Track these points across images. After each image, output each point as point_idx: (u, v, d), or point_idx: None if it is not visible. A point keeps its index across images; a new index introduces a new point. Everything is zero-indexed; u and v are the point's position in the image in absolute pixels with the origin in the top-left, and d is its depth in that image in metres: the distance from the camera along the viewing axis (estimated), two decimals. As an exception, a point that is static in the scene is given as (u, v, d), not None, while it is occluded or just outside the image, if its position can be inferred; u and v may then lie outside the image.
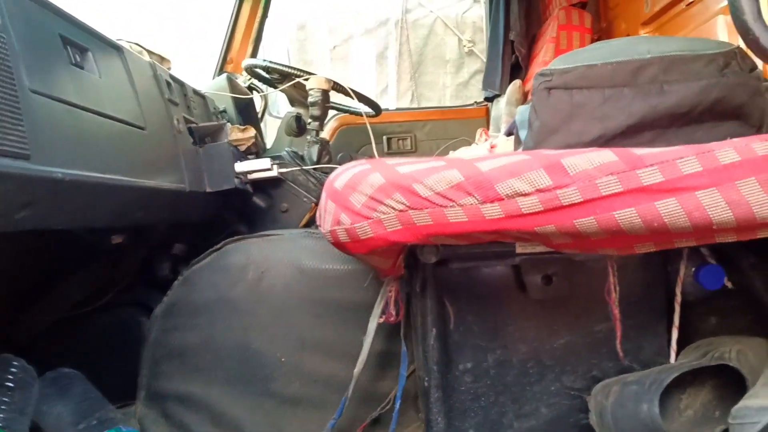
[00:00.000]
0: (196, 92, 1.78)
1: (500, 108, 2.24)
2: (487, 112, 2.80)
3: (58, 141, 0.98)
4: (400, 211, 0.94)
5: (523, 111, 1.46)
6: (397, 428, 1.30)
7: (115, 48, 1.31)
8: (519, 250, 1.02)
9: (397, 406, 1.28)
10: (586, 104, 1.25)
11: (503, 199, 0.88)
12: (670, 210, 0.83)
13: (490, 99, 2.57)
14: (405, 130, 2.84)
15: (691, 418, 1.04)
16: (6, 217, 0.90)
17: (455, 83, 3.98)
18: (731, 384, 1.03)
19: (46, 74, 0.99)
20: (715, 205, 0.82)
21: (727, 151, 0.84)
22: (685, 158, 0.84)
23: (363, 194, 0.97)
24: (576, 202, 0.85)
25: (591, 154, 0.86)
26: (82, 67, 1.13)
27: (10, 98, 0.88)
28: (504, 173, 0.88)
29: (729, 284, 1.09)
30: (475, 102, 3.01)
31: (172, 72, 1.62)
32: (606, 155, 0.86)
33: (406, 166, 0.96)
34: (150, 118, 1.34)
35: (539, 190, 0.86)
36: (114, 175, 1.12)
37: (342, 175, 1.02)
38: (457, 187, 0.90)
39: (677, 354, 1.12)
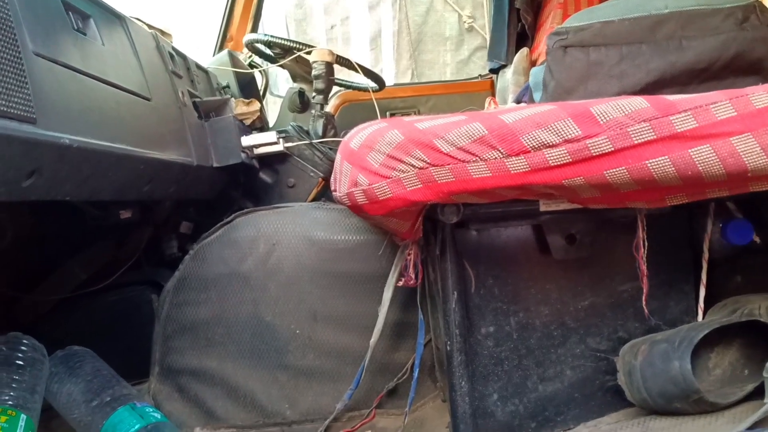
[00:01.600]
0: (199, 67, 1.75)
1: (506, 79, 2.20)
2: (492, 85, 2.76)
3: (63, 106, 0.95)
4: (421, 168, 0.91)
5: (537, 72, 1.43)
6: (414, 398, 1.29)
7: (117, 16, 1.27)
8: (543, 208, 0.99)
9: (416, 375, 1.26)
10: (602, 62, 1.22)
11: (529, 152, 0.85)
12: (704, 157, 0.80)
13: (495, 71, 2.52)
14: (408, 106, 2.80)
15: (719, 377, 1.02)
16: (13, 185, 0.87)
17: (456, 60, 3.93)
18: (760, 343, 1.01)
19: (49, 38, 0.96)
20: (750, 152, 0.79)
21: (762, 95, 0.81)
22: (719, 103, 0.81)
23: (381, 153, 0.94)
24: (607, 151, 0.82)
25: (621, 101, 0.83)
26: (84, 34, 1.09)
27: (14, 60, 0.84)
28: (530, 124, 0.85)
29: (757, 239, 1.06)
30: (480, 75, 2.97)
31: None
32: (637, 102, 0.83)
33: (425, 122, 0.93)
34: (155, 89, 1.30)
35: (567, 141, 0.83)
36: (122, 145, 1.09)
37: (358, 135, 0.99)
38: (480, 140, 0.87)
39: (704, 312, 1.09)
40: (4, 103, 0.78)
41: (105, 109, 1.08)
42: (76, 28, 1.07)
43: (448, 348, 1.02)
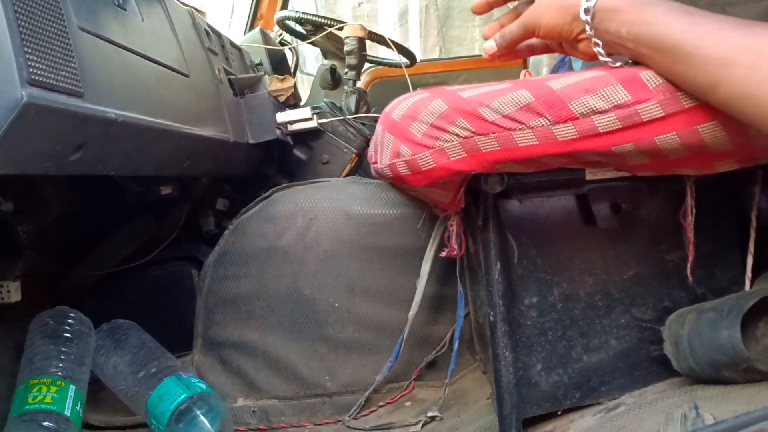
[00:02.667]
0: (233, 44, 1.75)
1: (540, 52, 2.17)
2: (525, 59, 2.73)
3: (108, 81, 0.96)
4: (465, 138, 0.90)
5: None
6: (454, 370, 1.29)
7: (153, -9, 1.28)
8: (589, 176, 0.98)
9: (455, 347, 1.27)
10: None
11: (578, 119, 0.83)
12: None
13: (527, 44, 2.48)
14: (439, 81, 2.77)
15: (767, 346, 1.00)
16: (61, 159, 0.89)
17: (484, 36, 3.88)
18: (809, 311, 0.99)
19: (92, 13, 0.97)
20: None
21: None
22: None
23: (424, 123, 0.94)
24: (657, 117, 0.80)
25: (670, 65, 0.81)
26: (125, 9, 1.10)
27: (61, 34, 0.85)
28: (578, 90, 0.84)
29: (807, 207, 1.04)
30: (511, 48, 2.92)
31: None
32: (687, 66, 0.81)
33: (469, 91, 0.92)
34: (193, 65, 1.31)
35: (617, 107, 0.81)
36: (163, 120, 1.10)
37: (400, 106, 0.99)
38: (526, 108, 0.86)
39: (752, 282, 1.08)
40: (53, 76, 0.79)
41: (146, 85, 1.09)
42: (117, 3, 1.07)
43: (492, 318, 1.02)
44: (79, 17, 0.91)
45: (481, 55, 3.47)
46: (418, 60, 2.40)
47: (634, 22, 0.79)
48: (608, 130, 0.83)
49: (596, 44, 0.85)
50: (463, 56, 3.45)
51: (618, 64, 0.86)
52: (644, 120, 0.81)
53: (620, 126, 0.82)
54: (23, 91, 0.68)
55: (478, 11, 1.07)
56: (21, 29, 0.70)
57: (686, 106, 0.79)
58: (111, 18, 1.04)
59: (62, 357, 1.20)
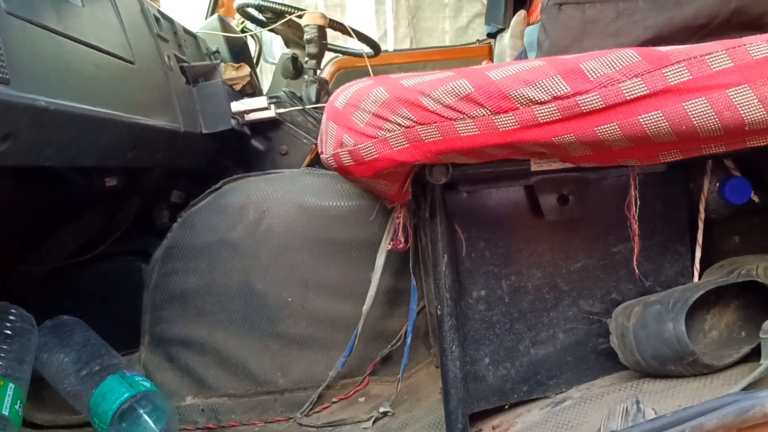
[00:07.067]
0: (186, 31, 1.71)
1: (504, 43, 2.15)
2: (490, 50, 2.71)
3: (39, 68, 0.92)
4: (407, 127, 0.88)
5: (531, 32, 1.39)
6: (408, 364, 1.28)
7: (98, -22, 1.23)
8: (534, 167, 0.96)
9: (408, 341, 1.25)
10: (598, 19, 1.18)
11: (517, 109, 0.81)
12: (699, 111, 0.77)
13: (493, 35, 2.46)
14: (405, 72, 2.75)
15: (716, 339, 1.00)
16: (-15, 150, 0.85)
17: (454, 28, 3.86)
18: (757, 304, 0.98)
19: (22, -2, 0.93)
20: (747, 104, 0.76)
21: (760, 45, 0.77)
22: (714, 53, 0.77)
23: (366, 112, 0.91)
24: (598, 108, 0.79)
25: (612, 55, 0.80)
26: (61, -7, 1.06)
27: (-15, 19, 0.82)
28: (517, 81, 0.82)
29: (756, 198, 1.04)
30: (477, 40, 2.92)
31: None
32: (628, 55, 0.79)
33: (411, 79, 0.89)
34: (139, 52, 1.27)
35: (557, 98, 0.80)
36: (103, 108, 1.06)
37: (343, 94, 0.96)
38: (466, 98, 0.84)
39: (701, 274, 1.07)
40: (-26, 63, 0.75)
41: (84, 72, 1.05)
42: (51, -13, 1.03)
43: (439, 312, 1.00)
44: (9, 2, 0.87)
45: (447, 46, 3.46)
46: (389, 50, 2.37)
47: None
48: (549, 120, 0.81)
49: None
50: (429, 47, 3.43)
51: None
52: (584, 111, 0.79)
53: (561, 117, 0.80)
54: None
55: None
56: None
57: (628, 98, 0.78)
58: (46, 3, 1.00)
59: (2, 355, 1.16)
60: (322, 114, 1.71)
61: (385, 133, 0.90)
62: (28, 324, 1.24)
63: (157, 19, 1.45)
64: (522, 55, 1.70)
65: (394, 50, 3.32)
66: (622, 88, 0.78)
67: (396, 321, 1.34)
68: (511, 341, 1.06)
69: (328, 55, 2.32)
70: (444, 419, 1.09)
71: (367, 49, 2.14)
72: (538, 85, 0.80)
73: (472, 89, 0.83)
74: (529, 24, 1.98)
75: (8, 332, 1.20)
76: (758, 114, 0.76)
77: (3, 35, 0.84)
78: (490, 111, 0.82)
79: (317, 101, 1.86)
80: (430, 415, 1.16)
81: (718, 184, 1.04)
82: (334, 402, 1.31)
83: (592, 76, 0.79)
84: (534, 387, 1.07)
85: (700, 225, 1.03)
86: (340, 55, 2.62)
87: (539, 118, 0.81)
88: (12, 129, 0.86)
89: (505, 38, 2.18)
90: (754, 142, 0.82)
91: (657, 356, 0.94)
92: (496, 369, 1.06)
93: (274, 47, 2.63)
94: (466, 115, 0.84)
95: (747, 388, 0.82)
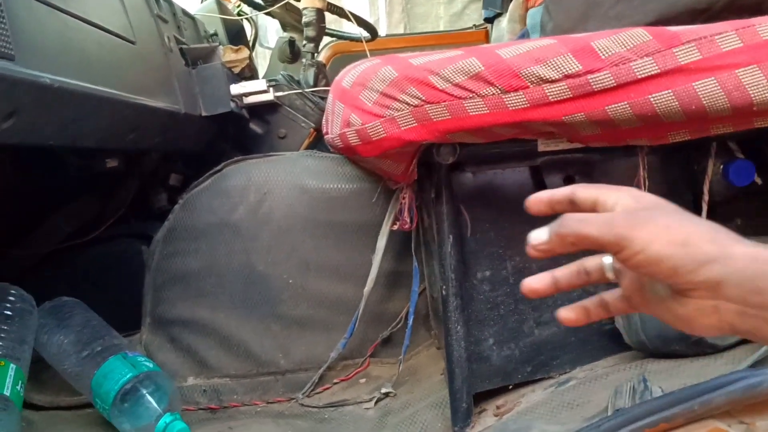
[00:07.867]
0: (185, 13, 1.69)
1: (502, 28, 2.15)
2: (487, 35, 2.71)
3: (43, 44, 0.91)
4: (415, 106, 0.88)
5: (534, 14, 1.39)
6: (409, 346, 1.28)
7: (98, -45, 1.21)
8: (541, 148, 0.96)
9: (410, 323, 1.26)
10: (601, 3, 1.18)
11: (528, 87, 0.82)
12: (708, 90, 0.77)
13: (490, 20, 2.47)
14: (402, 58, 2.74)
15: (718, 321, 1.01)
16: (-11, 128, 0.84)
17: (449, 13, 3.84)
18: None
19: (27, -27, 0.91)
20: (755, 84, 0.77)
21: (769, 25, 0.78)
22: (724, 33, 0.78)
23: (374, 91, 0.91)
24: (609, 87, 0.79)
25: (623, 34, 0.80)
26: (64, -29, 1.04)
27: (-11, -6, 0.80)
28: (528, 60, 0.82)
29: (759, 180, 1.04)
30: (474, 25, 2.91)
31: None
32: (639, 34, 0.79)
33: (420, 58, 0.89)
34: (139, 32, 1.25)
35: (568, 76, 0.80)
36: (105, 88, 1.05)
37: (350, 73, 0.96)
38: (476, 76, 0.84)
39: (703, 255, 1.08)
40: (-22, 37, 0.74)
41: (87, 50, 1.04)
42: (55, -35, 1.02)
43: (444, 293, 1.00)
44: (12, -23, 0.86)
45: (443, 31, 3.45)
46: (383, 35, 2.36)
47: None
48: (559, 99, 0.81)
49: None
50: (426, 32, 3.42)
51: None
52: (596, 90, 0.79)
53: (571, 95, 0.80)
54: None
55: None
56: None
57: (639, 77, 0.78)
58: (48, -21, 0.98)
59: (2, 335, 1.15)
60: (319, 97, 1.72)
61: (393, 112, 0.89)
62: (28, 304, 1.23)
63: (156, 0, 1.44)
64: (523, 38, 1.70)
65: (390, 35, 3.30)
66: (634, 67, 0.78)
67: (396, 303, 1.34)
68: (515, 322, 1.07)
69: (324, 40, 2.31)
70: (445, 399, 1.10)
71: (364, 34, 2.13)
72: (550, 64, 0.80)
73: (482, 68, 0.83)
74: (527, 8, 1.98)
75: (8, 312, 1.19)
76: (766, 94, 0.77)
77: (8, 10, 0.83)
78: (500, 90, 0.82)
79: (315, 85, 1.85)
80: (432, 395, 1.17)
81: (721, 167, 1.04)
82: (336, 383, 1.31)
83: (603, 55, 0.79)
84: (538, 367, 1.08)
85: (704, 207, 1.04)
86: (336, 39, 2.61)
87: (550, 97, 0.81)
88: (17, 106, 0.85)
89: (503, 23, 2.18)
90: (761, 123, 0.83)
91: (662, 336, 0.95)
92: (500, 349, 1.06)
93: (269, 32, 2.62)
94: (476, 93, 0.84)
95: (753, 366, 0.83)
